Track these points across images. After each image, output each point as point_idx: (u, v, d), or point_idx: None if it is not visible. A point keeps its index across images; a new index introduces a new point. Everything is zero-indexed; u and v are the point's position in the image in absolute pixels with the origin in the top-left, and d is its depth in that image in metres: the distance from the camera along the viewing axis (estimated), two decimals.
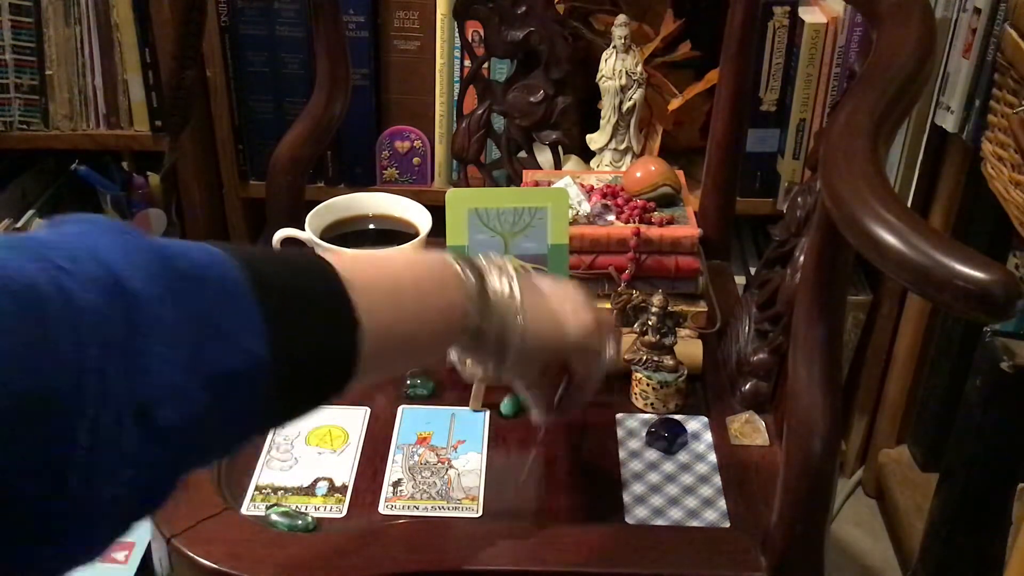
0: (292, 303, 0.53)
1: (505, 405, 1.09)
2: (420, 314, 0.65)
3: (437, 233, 1.17)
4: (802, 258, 1.01)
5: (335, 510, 0.97)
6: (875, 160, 0.68)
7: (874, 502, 1.76)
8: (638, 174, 1.26)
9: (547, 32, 1.40)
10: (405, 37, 1.63)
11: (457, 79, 1.62)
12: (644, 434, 1.06)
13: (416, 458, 1.03)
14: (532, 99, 1.43)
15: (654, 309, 1.08)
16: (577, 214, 1.22)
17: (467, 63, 1.58)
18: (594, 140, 1.48)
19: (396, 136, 1.67)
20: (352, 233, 1.24)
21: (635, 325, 1.11)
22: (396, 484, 1.00)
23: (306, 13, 1.57)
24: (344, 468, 1.02)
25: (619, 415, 1.09)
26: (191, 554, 0.89)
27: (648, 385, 1.09)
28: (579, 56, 1.50)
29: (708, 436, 1.07)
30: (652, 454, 1.04)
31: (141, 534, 1.21)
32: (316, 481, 1.00)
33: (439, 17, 1.58)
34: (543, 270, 1.08)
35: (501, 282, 0.70)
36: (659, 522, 0.96)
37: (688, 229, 1.21)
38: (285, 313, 0.52)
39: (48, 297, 0.40)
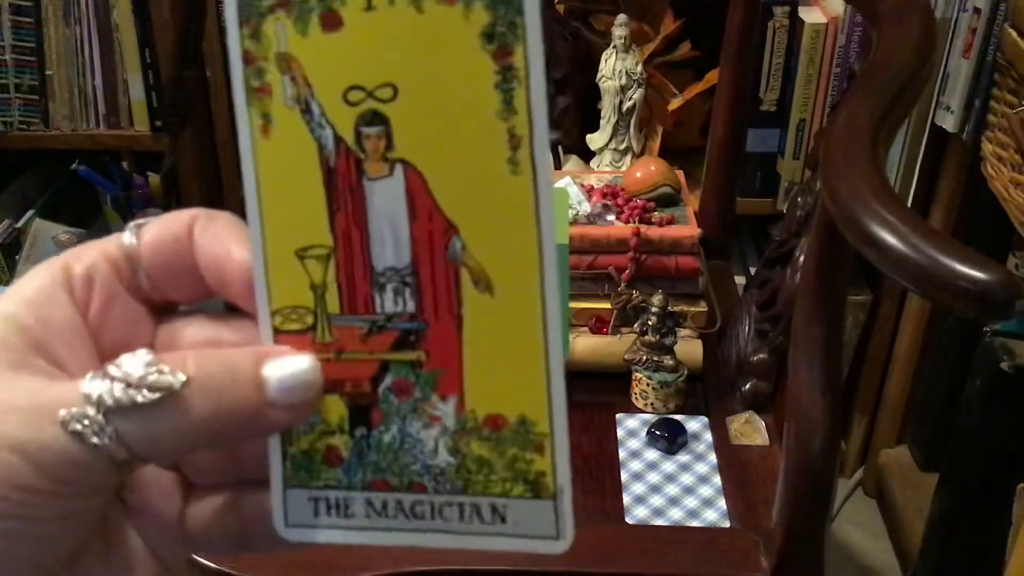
0: None
1: None
2: None
3: None
4: (802, 258, 1.00)
5: None
6: (875, 160, 0.68)
7: (874, 502, 1.76)
8: (638, 174, 1.26)
9: (547, 32, 1.40)
10: None
11: None
12: (644, 434, 1.06)
13: None
14: None
15: (654, 309, 1.08)
16: (577, 214, 1.22)
17: None
18: (594, 140, 1.48)
19: None
20: None
21: (635, 325, 1.11)
22: None
23: None
24: None
25: (619, 415, 1.09)
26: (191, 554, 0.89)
27: (648, 385, 1.09)
28: (579, 56, 1.50)
29: (708, 436, 1.07)
30: (652, 454, 1.04)
31: None
32: None
33: None
34: None
35: None
36: (659, 522, 0.96)
37: (688, 229, 1.20)
38: None
39: None
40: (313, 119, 0.31)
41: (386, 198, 0.31)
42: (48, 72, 1.61)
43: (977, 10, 1.34)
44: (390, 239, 0.31)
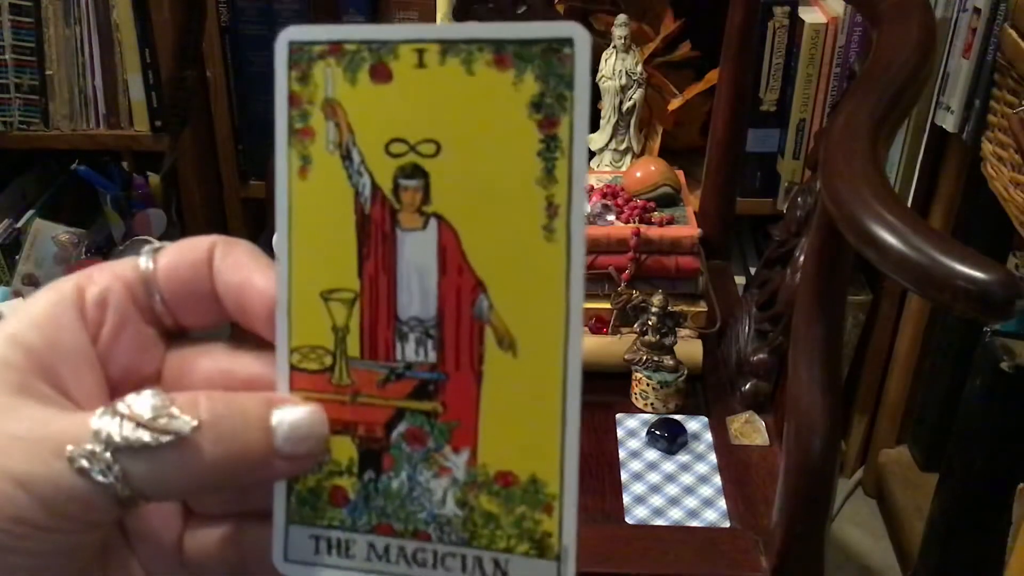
0: None
1: None
2: None
3: None
4: (802, 258, 1.00)
5: None
6: (875, 160, 0.68)
7: (874, 502, 1.76)
8: (638, 174, 1.26)
9: None
10: None
11: None
12: (644, 434, 1.06)
13: None
14: None
15: (654, 309, 1.08)
16: None
17: None
18: (594, 140, 1.48)
19: None
20: None
21: (635, 325, 1.11)
22: None
23: (306, 13, 1.57)
24: None
25: (619, 415, 1.09)
26: None
27: (648, 385, 1.09)
28: None
29: (708, 436, 1.07)
30: (652, 454, 1.04)
31: None
32: None
33: (439, 17, 1.58)
34: None
35: None
36: (659, 522, 0.96)
37: (688, 229, 1.20)
38: None
39: None
40: (352, 166, 0.32)
41: (418, 250, 0.31)
42: (48, 72, 1.61)
43: (977, 10, 1.34)
44: (417, 290, 0.32)
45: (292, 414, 0.32)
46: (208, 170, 1.71)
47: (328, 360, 0.33)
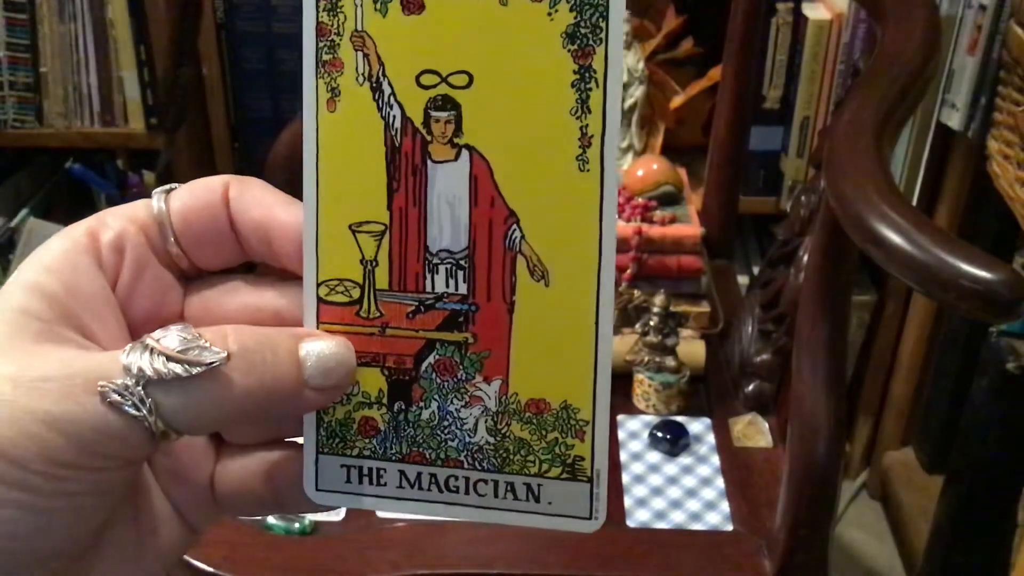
0: None
1: None
2: None
3: None
4: (806, 258, 1.00)
5: (333, 513, 0.96)
6: (880, 158, 0.67)
7: (879, 504, 1.75)
8: (640, 172, 1.25)
9: None
10: None
11: None
12: (646, 436, 1.05)
13: None
14: None
15: (656, 309, 1.07)
16: None
17: None
18: None
19: None
20: None
21: (637, 326, 1.10)
22: None
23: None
24: None
25: (620, 416, 1.08)
26: (187, 557, 0.88)
27: (650, 386, 1.08)
28: None
29: (711, 438, 1.06)
30: (654, 456, 1.03)
31: None
32: None
33: None
34: None
35: None
36: (661, 525, 0.95)
37: (690, 228, 1.20)
38: None
39: None
40: (383, 98, 0.32)
41: (449, 181, 0.32)
42: (42, 69, 1.60)
43: (983, 7, 1.33)
44: (448, 222, 0.32)
45: (319, 346, 0.32)
46: (204, 168, 1.70)
47: (356, 293, 0.33)
